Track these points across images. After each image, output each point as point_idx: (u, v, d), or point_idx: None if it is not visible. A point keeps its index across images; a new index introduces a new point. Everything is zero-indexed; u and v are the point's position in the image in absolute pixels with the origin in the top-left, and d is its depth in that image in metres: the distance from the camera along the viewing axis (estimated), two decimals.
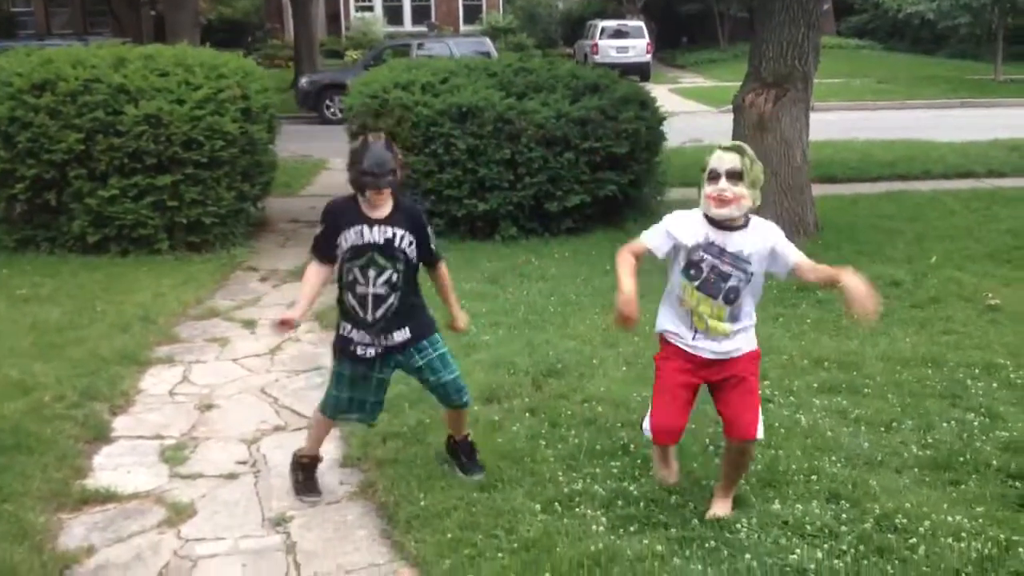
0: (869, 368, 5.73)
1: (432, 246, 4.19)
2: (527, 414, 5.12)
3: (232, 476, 4.67)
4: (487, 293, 7.41)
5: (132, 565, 3.89)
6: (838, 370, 5.71)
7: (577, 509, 4.16)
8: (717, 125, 14.02)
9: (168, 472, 4.71)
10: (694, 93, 24.70)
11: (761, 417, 3.96)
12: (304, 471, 4.46)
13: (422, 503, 4.22)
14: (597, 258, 8.39)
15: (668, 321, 3.98)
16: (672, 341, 3.97)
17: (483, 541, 3.91)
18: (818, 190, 9.88)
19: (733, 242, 3.82)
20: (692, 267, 3.85)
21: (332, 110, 19.92)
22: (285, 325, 4.06)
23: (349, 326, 4.15)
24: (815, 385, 5.49)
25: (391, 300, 4.06)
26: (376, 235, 4.02)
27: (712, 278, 3.83)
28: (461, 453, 4.50)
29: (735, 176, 3.75)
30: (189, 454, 4.90)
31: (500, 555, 3.82)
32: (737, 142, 3.89)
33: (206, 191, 8.73)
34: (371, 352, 4.14)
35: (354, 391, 4.23)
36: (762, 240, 3.85)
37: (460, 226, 9.29)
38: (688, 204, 4.04)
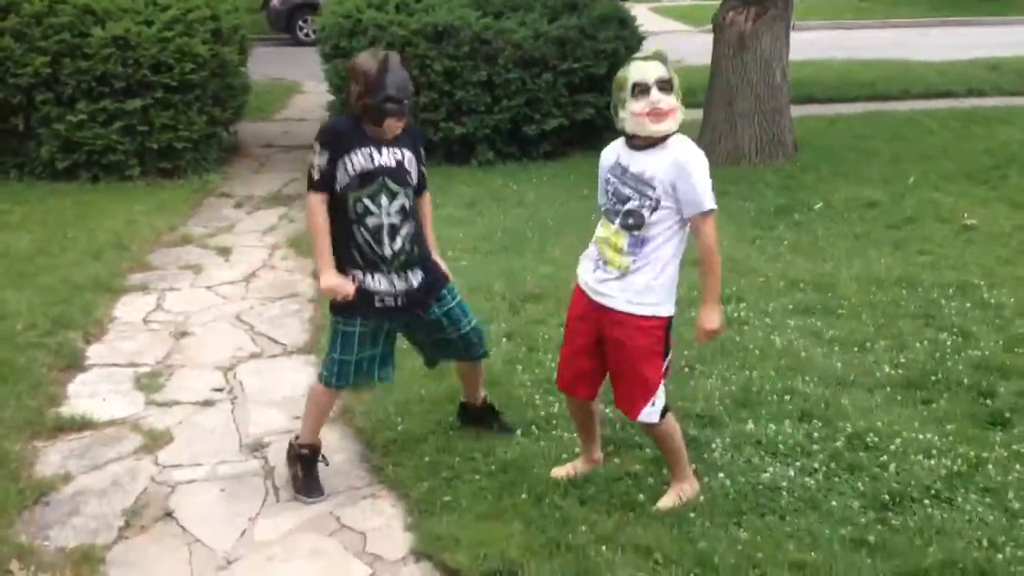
0: (844, 289, 5.76)
1: (424, 170, 3.84)
2: (504, 339, 5.13)
3: (208, 403, 4.67)
4: (464, 218, 7.37)
5: (109, 492, 3.90)
6: (813, 291, 5.74)
7: (554, 432, 4.19)
8: (697, 45, 13.84)
9: (144, 399, 4.69)
10: (674, 12, 24.31)
11: (657, 403, 3.53)
12: (303, 465, 3.90)
13: (399, 428, 4.24)
14: (575, 182, 8.33)
15: (581, 261, 3.68)
16: (577, 282, 3.67)
17: (460, 464, 3.95)
18: (797, 110, 9.82)
19: (637, 161, 3.44)
20: (603, 193, 3.56)
21: (305, 31, 19.42)
22: (343, 293, 3.65)
23: (360, 272, 3.68)
24: (790, 306, 5.51)
25: (406, 229, 3.68)
26: (387, 158, 3.64)
27: (612, 201, 3.49)
28: (489, 419, 4.19)
29: (666, 86, 3.37)
30: (164, 382, 4.88)
31: (477, 477, 3.85)
32: (655, 50, 3.53)
33: (177, 115, 8.56)
34: (392, 302, 3.70)
35: (370, 348, 3.77)
36: (670, 163, 3.37)
37: (436, 150, 9.17)
38: None
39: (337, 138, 3.63)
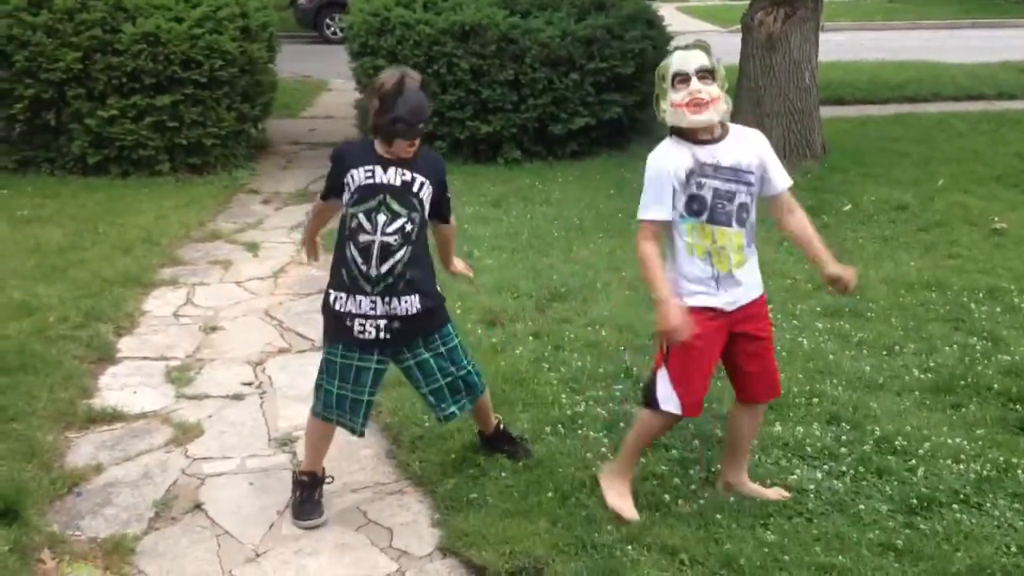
0: (873, 292, 5.72)
1: (449, 201, 3.74)
2: (530, 337, 5.14)
3: (238, 397, 4.71)
4: (490, 217, 7.38)
5: (140, 483, 3.95)
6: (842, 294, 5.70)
7: (580, 431, 4.19)
8: (725, 45, 13.79)
9: (174, 392, 4.74)
10: (702, 12, 24.26)
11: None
12: (303, 490, 3.76)
13: (426, 424, 4.25)
14: (601, 182, 8.33)
15: (687, 287, 3.41)
16: (699, 304, 3.40)
17: (486, 461, 3.96)
18: (826, 112, 9.76)
19: (726, 154, 3.35)
20: (694, 201, 3.35)
21: (332, 29, 19.53)
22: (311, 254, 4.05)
23: (343, 295, 3.53)
24: (818, 309, 5.49)
25: (401, 253, 3.47)
26: (391, 176, 3.48)
27: (719, 204, 3.35)
28: (501, 444, 4.02)
29: (707, 74, 3.30)
30: (195, 375, 4.93)
31: (503, 474, 3.86)
32: (697, 40, 3.47)
33: (206, 112, 8.66)
34: (372, 331, 3.52)
35: (351, 385, 3.61)
36: (754, 147, 3.43)
37: (463, 148, 9.21)
38: None
39: (343, 154, 3.62)
